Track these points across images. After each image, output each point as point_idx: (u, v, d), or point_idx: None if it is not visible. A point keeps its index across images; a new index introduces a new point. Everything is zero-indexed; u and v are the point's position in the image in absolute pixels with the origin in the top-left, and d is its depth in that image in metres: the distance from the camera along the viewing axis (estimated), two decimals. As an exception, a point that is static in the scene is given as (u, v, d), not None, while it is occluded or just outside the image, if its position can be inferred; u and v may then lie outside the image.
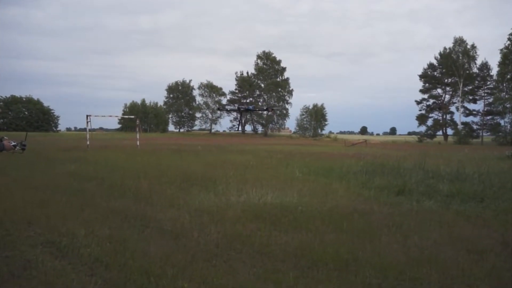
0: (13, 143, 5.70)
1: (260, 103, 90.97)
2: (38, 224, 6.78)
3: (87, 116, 30.81)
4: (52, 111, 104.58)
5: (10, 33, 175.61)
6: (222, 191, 10.26)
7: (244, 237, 6.15)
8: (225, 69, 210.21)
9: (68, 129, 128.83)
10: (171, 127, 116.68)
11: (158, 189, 10.49)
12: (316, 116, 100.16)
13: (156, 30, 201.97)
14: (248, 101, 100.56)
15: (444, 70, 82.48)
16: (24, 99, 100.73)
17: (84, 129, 32.53)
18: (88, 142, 29.68)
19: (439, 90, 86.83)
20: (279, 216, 7.58)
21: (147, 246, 5.66)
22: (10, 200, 8.64)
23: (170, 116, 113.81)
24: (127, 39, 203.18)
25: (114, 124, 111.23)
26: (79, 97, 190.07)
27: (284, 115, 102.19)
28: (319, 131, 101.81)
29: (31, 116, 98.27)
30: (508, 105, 68.58)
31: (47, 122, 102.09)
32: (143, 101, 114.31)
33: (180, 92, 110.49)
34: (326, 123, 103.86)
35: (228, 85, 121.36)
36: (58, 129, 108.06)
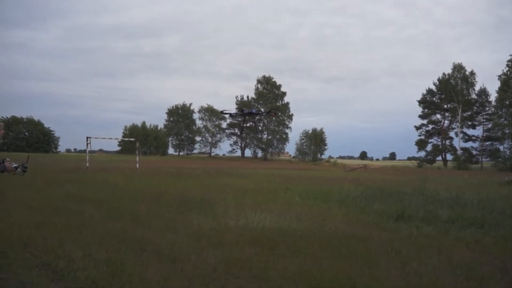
0: (14, 165, 5.71)
1: (260, 127, 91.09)
2: (35, 246, 6.73)
3: (87, 138, 30.94)
4: (53, 132, 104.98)
5: (15, 54, 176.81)
6: (220, 215, 10.21)
7: (242, 262, 6.10)
8: (225, 92, 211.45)
9: (68, 151, 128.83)
10: (171, 150, 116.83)
11: (156, 212, 10.46)
12: (315, 140, 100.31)
13: (158, 53, 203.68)
14: (248, 125, 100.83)
15: (443, 96, 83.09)
16: (24, 120, 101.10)
17: (84, 151, 32.60)
18: (87, 164, 29.68)
19: (438, 116, 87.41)
20: (277, 240, 7.53)
21: (144, 270, 5.61)
22: (7, 221, 8.56)
23: (170, 139, 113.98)
24: (129, 62, 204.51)
25: (114, 146, 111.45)
26: (80, 119, 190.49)
27: (284, 139, 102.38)
28: (319, 155, 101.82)
29: (32, 137, 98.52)
30: (507, 131, 68.89)
31: (47, 143, 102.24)
32: (144, 123, 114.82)
33: (180, 116, 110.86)
34: (326, 147, 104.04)
35: (229, 109, 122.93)
36: (58, 150, 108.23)
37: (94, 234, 7.72)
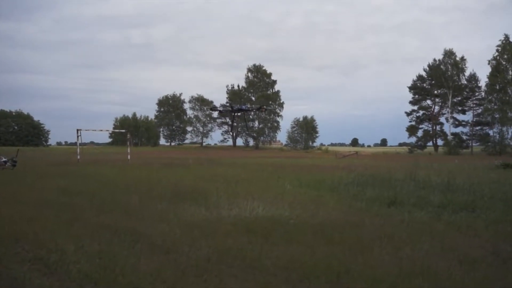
0: (3, 159, 5.63)
1: (251, 116, 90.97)
2: (26, 241, 6.68)
3: (77, 130, 30.64)
4: (42, 126, 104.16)
5: (1, 47, 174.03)
6: (213, 205, 10.19)
7: (235, 251, 6.10)
8: (216, 82, 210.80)
9: (59, 144, 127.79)
10: (162, 141, 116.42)
11: (148, 204, 10.41)
12: (306, 128, 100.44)
13: (148, 44, 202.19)
14: (239, 114, 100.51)
15: (433, 82, 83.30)
16: (14, 114, 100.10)
17: (75, 144, 32.26)
18: (78, 157, 29.49)
19: (429, 102, 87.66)
20: (270, 229, 7.54)
21: (137, 262, 5.59)
22: (-2, 216, 8.50)
23: (161, 129, 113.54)
24: (119, 53, 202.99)
25: (105, 138, 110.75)
26: (70, 111, 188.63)
27: (275, 127, 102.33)
28: (310, 143, 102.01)
29: (21, 130, 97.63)
30: (497, 116, 69.45)
31: (37, 137, 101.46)
32: (134, 114, 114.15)
33: (171, 106, 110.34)
34: (317, 135, 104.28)
35: (220, 98, 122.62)
36: (48, 143, 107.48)
37: (86, 227, 7.68)
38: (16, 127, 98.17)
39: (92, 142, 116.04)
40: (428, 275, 5.12)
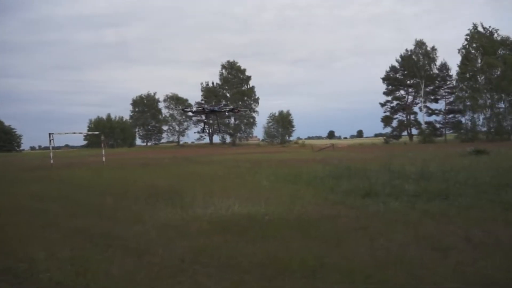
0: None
1: (226, 113, 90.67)
2: (-4, 250, 6.50)
3: (49, 134, 30.11)
4: (14, 130, 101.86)
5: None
6: (188, 204, 10.09)
7: (210, 250, 6.05)
8: (191, 80, 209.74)
9: (32, 148, 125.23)
10: (138, 141, 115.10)
11: (123, 206, 10.27)
12: (282, 123, 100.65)
13: (121, 43, 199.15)
14: (218, 108, 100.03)
15: (406, 72, 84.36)
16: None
17: (49, 148, 31.61)
18: (52, 161, 28.93)
19: (402, 92, 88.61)
20: (246, 226, 7.51)
21: (110, 266, 5.49)
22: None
23: (136, 130, 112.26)
24: (92, 53, 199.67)
25: (80, 141, 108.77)
26: (44, 114, 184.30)
27: (251, 123, 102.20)
28: (287, 137, 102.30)
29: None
30: (468, 103, 70.80)
31: (9, 142, 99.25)
32: (109, 116, 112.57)
33: (145, 106, 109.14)
34: (293, 129, 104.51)
35: (195, 96, 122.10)
36: (21, 148, 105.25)
37: (58, 233, 7.53)
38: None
39: (67, 145, 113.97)
40: (403, 265, 5.17)
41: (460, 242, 6.21)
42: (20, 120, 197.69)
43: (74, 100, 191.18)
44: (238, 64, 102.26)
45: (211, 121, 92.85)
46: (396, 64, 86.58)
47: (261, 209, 9.17)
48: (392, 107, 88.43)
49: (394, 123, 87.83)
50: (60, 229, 7.82)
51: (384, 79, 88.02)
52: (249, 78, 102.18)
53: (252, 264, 5.39)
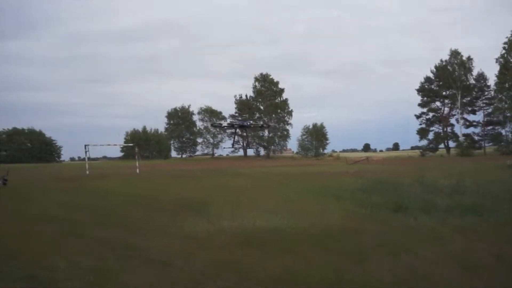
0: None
1: (259, 127, 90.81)
2: (21, 258, 6.61)
3: (85, 146, 30.94)
4: (54, 142, 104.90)
5: (9, 65, 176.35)
6: (215, 216, 10.07)
7: (230, 264, 5.98)
8: (225, 92, 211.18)
9: (72, 159, 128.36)
10: (173, 153, 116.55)
11: (150, 217, 10.33)
12: (316, 135, 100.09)
13: (154, 57, 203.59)
14: (248, 123, 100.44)
15: (441, 83, 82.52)
16: (26, 131, 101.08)
17: (88, 158, 32.51)
18: (87, 171, 29.60)
19: (438, 103, 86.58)
20: (269, 240, 7.41)
21: (129, 277, 5.50)
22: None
23: (171, 142, 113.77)
24: (126, 67, 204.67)
25: (117, 152, 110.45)
26: (82, 127, 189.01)
27: (285, 136, 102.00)
28: (321, 150, 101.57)
29: (33, 147, 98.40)
30: (508, 114, 68.48)
31: (49, 153, 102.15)
32: (144, 128, 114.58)
33: (180, 118, 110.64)
34: (327, 141, 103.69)
35: (229, 108, 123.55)
36: (61, 159, 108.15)
37: (82, 242, 7.61)
38: (29, 144, 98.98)
39: (104, 157, 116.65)
40: (427, 283, 4.95)
41: (491, 261, 5.91)
42: (60, 132, 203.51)
43: (108, 113, 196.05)
44: (271, 77, 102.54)
45: (245, 134, 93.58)
46: (431, 75, 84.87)
47: (286, 222, 9.05)
48: (427, 119, 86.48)
49: (431, 136, 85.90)
50: (84, 239, 7.90)
51: (419, 91, 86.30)
52: (282, 90, 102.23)
53: (270, 279, 5.29)
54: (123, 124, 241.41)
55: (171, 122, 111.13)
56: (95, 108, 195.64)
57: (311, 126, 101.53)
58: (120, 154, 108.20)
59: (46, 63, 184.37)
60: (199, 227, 8.86)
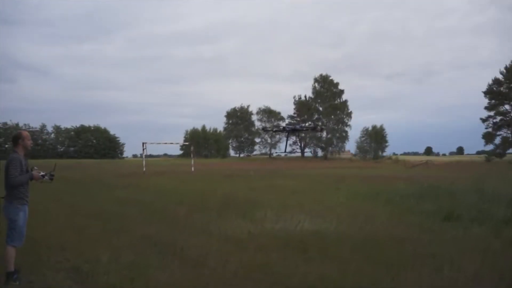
0: (41, 173, 5.90)
1: (310, 130, 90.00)
2: (69, 250, 6.93)
3: (143, 143, 32.04)
4: (118, 139, 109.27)
5: (84, 67, 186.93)
6: (259, 218, 10.07)
7: (265, 267, 5.93)
8: (285, 93, 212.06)
9: (135, 156, 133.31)
10: (232, 152, 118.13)
11: (195, 215, 10.49)
12: (375, 137, 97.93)
13: (217, 58, 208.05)
14: (307, 124, 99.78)
15: (511, 85, 78.03)
16: (92, 128, 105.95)
17: (149, 156, 33.76)
18: (144, 169, 30.55)
19: (507, 106, 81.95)
20: (310, 244, 7.29)
21: (163, 274, 5.60)
22: (51, 225, 8.90)
23: (230, 141, 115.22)
24: (190, 68, 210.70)
25: (177, 150, 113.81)
26: (145, 125, 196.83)
27: (344, 137, 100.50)
28: (380, 153, 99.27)
29: (99, 144, 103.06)
30: None
31: (113, 150, 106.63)
32: (203, 127, 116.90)
33: (239, 118, 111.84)
34: (387, 144, 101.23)
35: (288, 109, 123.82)
36: (124, 155, 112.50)
37: (126, 238, 7.85)
38: (94, 141, 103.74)
39: (165, 154, 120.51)
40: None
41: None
42: (124, 129, 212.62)
43: (172, 112, 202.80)
44: (331, 78, 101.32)
45: (302, 135, 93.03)
46: (500, 77, 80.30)
47: (330, 227, 8.90)
48: (495, 123, 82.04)
49: (497, 140, 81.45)
50: (129, 234, 8.15)
51: (486, 93, 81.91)
52: (341, 92, 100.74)
53: (302, 285, 5.20)
54: (187, 122, 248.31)
55: (230, 121, 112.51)
56: (160, 107, 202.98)
57: (370, 128, 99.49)
58: (180, 152, 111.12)
59: (116, 64, 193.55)
60: (241, 228, 8.89)
